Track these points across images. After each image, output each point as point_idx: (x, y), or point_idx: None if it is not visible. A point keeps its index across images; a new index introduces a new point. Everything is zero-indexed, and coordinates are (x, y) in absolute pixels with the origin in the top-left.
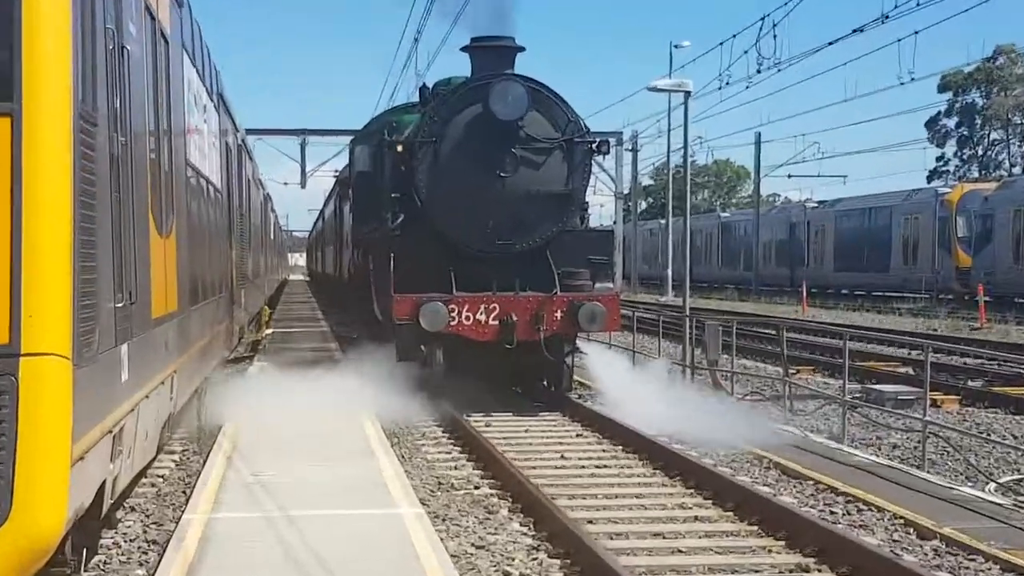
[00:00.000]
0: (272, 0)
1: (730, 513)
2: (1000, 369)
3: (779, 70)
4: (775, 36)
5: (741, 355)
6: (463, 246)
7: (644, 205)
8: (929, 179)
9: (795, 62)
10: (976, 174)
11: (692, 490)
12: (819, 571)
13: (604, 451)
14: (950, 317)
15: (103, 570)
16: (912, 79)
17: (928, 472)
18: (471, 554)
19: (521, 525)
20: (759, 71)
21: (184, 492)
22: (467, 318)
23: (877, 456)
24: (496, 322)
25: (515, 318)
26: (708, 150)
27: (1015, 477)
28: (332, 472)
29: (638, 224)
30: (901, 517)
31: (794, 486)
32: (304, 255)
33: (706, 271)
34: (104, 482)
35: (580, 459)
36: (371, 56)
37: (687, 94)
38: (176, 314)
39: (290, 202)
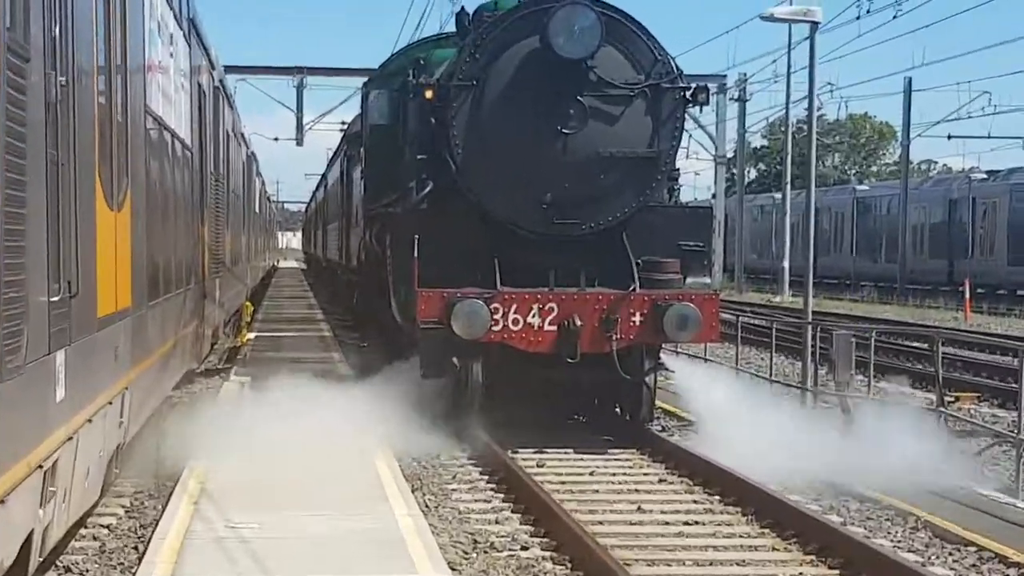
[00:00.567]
0: None
1: None
2: None
3: None
4: None
5: (881, 376)
6: (511, 226)
7: (754, 173)
8: None
9: None
10: None
11: (812, 557)
12: None
13: (695, 502)
14: None
15: None
16: None
17: None
18: None
19: None
20: None
21: (136, 548)
22: (515, 322)
23: None
24: (554, 328)
25: (579, 322)
26: (840, 101)
27: None
28: (333, 525)
29: (745, 199)
30: None
31: (950, 554)
32: (299, 235)
33: (836, 263)
34: (31, 533)
35: (663, 512)
36: None
37: (814, 25)
38: (130, 312)
39: (282, 164)
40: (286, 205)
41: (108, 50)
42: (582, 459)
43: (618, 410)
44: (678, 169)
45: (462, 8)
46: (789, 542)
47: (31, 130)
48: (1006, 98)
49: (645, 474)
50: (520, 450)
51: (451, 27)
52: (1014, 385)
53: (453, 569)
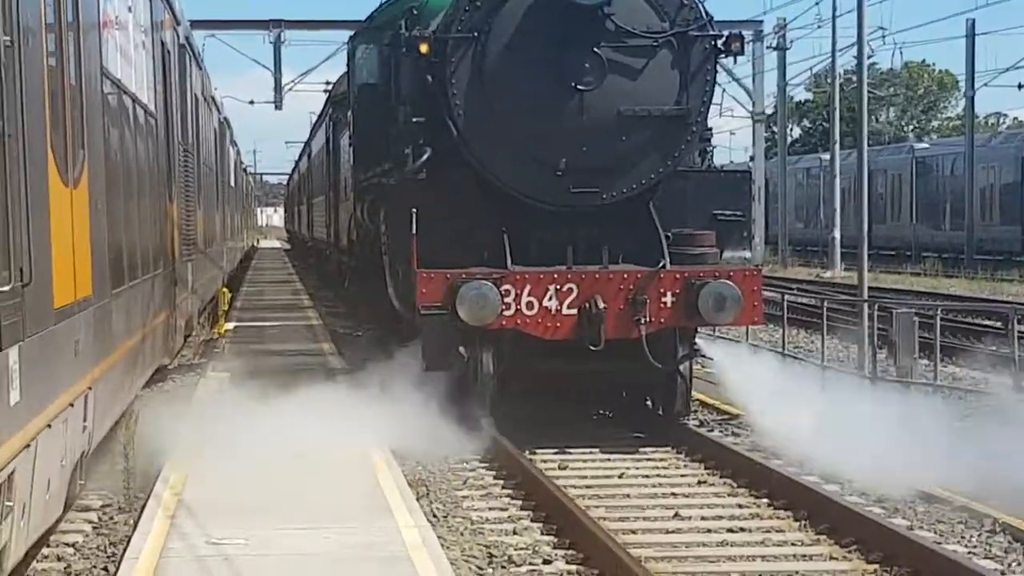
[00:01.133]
0: None
1: None
2: None
3: None
4: None
5: (949, 359)
6: (521, 197)
7: (797, 132)
8: None
9: None
10: None
11: (876, 567)
12: None
13: (740, 506)
14: None
15: None
16: None
17: None
18: None
19: None
20: None
21: (106, 569)
22: (529, 305)
23: None
24: (574, 311)
25: (603, 305)
26: (894, 48)
27: None
28: (328, 540)
29: (788, 161)
30: None
31: None
32: (281, 211)
33: (894, 232)
34: None
35: (703, 519)
36: None
37: None
38: (91, 301)
39: (260, 131)
40: (265, 177)
41: (57, 5)
42: (609, 460)
43: (649, 403)
44: (710, 129)
45: None
46: (848, 550)
47: None
48: None
49: (682, 475)
50: (539, 451)
51: None
52: None
53: None
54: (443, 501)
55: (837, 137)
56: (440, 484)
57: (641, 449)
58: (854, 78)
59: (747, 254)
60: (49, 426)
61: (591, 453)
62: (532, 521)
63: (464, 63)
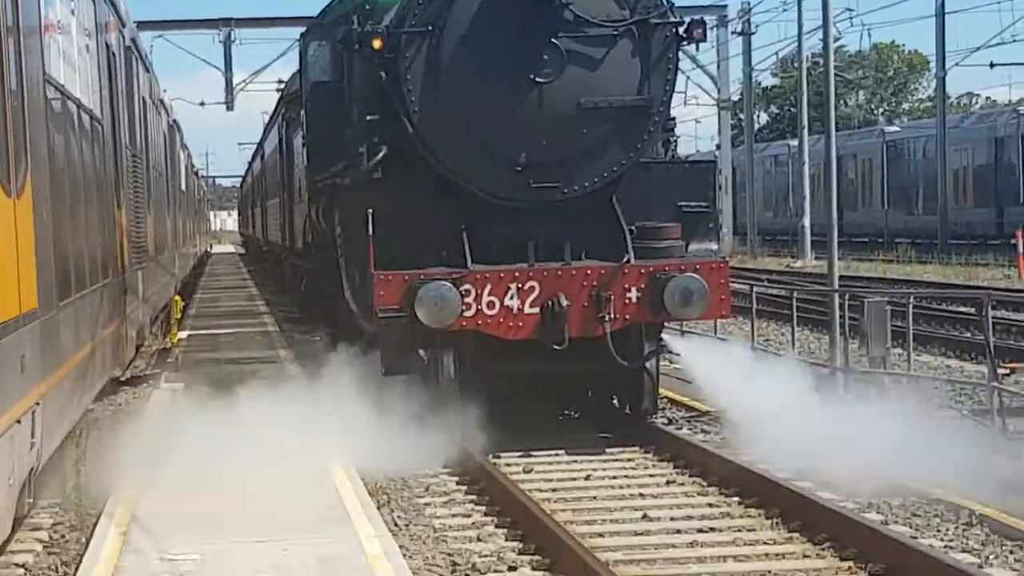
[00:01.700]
0: None
1: None
2: None
3: None
4: None
5: (923, 348)
6: (480, 194)
7: (764, 118)
8: None
9: None
10: None
11: (850, 564)
12: None
13: (710, 505)
14: None
15: None
16: None
17: None
18: None
19: None
20: None
21: None
22: (490, 305)
23: None
24: (536, 310)
25: (565, 303)
26: (862, 29)
27: None
28: (286, 553)
29: (755, 148)
30: None
31: (1011, 552)
32: (235, 214)
33: (865, 218)
34: None
35: (672, 519)
36: None
37: None
38: (37, 314)
39: (212, 133)
40: (218, 180)
41: None
42: (576, 461)
43: (616, 402)
44: (674, 118)
45: None
46: (822, 547)
47: None
48: None
49: (651, 475)
50: (503, 454)
51: None
52: None
53: None
54: (404, 509)
55: (805, 123)
56: (401, 492)
57: (608, 449)
58: (821, 62)
59: (714, 246)
60: None
61: (557, 455)
62: (496, 527)
63: (419, 58)
